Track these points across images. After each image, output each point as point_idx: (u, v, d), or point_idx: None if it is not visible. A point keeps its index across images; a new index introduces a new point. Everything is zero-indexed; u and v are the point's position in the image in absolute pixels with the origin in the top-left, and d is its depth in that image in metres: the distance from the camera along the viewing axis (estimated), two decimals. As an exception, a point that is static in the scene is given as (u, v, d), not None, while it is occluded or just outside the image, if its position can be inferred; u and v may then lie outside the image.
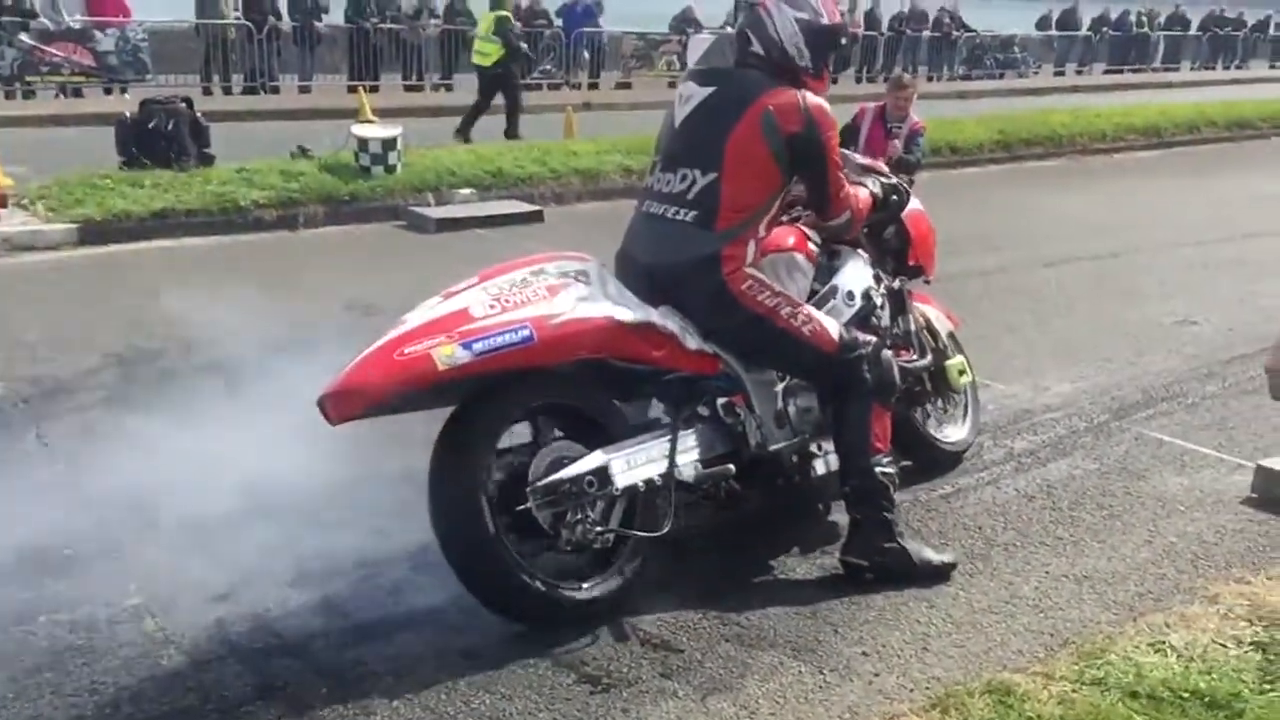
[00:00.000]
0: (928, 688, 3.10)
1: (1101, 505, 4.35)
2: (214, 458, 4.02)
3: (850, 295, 4.04)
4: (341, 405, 3.00)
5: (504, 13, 13.25)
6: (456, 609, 3.33)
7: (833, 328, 3.70)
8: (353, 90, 15.68)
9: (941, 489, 4.41)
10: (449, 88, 19.07)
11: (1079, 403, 5.50)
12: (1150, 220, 10.57)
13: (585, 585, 3.33)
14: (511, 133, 13.34)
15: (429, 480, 3.17)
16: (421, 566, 3.53)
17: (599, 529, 3.32)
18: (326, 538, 3.63)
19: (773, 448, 3.75)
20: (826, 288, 4.01)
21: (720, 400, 3.67)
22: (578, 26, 20.33)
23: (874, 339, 3.81)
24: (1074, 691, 2.93)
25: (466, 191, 10.15)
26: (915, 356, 4.37)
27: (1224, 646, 3.16)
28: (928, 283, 4.69)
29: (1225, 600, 3.44)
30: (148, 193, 8.95)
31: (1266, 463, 4.48)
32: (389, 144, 10.10)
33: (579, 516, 3.27)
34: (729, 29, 22.70)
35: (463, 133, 13.11)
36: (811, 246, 3.99)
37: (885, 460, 3.70)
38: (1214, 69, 30.58)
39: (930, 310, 4.68)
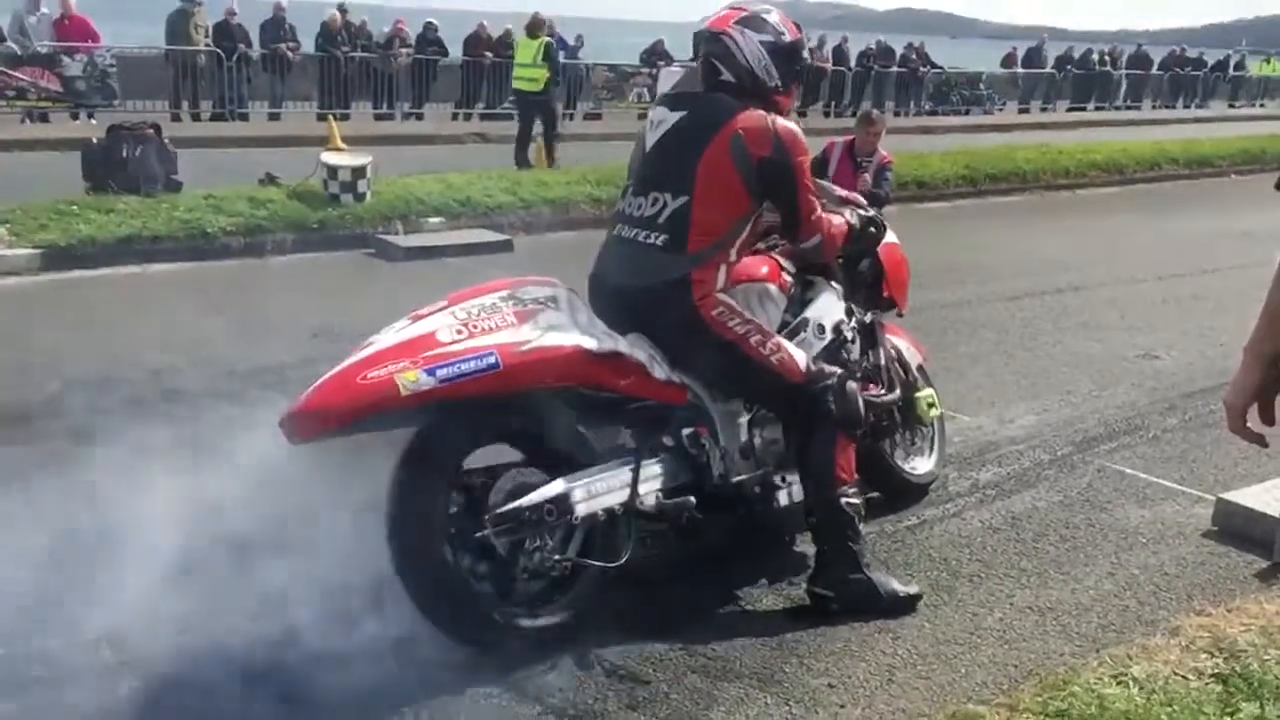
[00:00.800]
0: (893, 718, 3.10)
1: (1065, 537, 4.38)
2: (176, 487, 3.97)
3: (821, 328, 4.05)
4: (303, 427, 3.01)
5: (549, 39, 13.97)
6: (417, 639, 3.29)
7: (800, 359, 3.71)
8: (322, 118, 15.66)
9: (907, 520, 4.43)
10: (419, 117, 19.10)
11: (1043, 435, 5.55)
12: (1112, 255, 10.72)
13: (540, 612, 3.33)
14: (550, 155, 13.67)
15: (387, 504, 3.16)
16: (382, 596, 3.48)
17: (556, 557, 3.31)
18: (286, 567, 3.58)
19: (735, 479, 3.74)
20: (797, 319, 4.02)
21: (685, 430, 3.66)
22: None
23: (840, 371, 3.82)
24: (1037, 723, 2.94)
25: (436, 220, 10.16)
26: (884, 390, 4.37)
27: (1185, 678, 3.18)
28: (900, 315, 4.72)
29: (1187, 632, 3.46)
30: (114, 218, 8.88)
31: (1227, 495, 4.54)
32: (358, 172, 10.09)
33: (537, 544, 3.27)
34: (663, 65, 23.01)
35: (520, 157, 13.54)
36: (785, 277, 4.01)
37: (851, 491, 3.70)
38: (1175, 108, 31.11)
39: (900, 342, 4.70)
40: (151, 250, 8.66)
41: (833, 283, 4.21)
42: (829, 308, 4.14)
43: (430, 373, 3.06)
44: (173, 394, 5.26)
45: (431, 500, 3.16)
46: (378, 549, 3.21)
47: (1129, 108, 30.13)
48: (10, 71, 15.06)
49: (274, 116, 17.68)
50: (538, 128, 13.75)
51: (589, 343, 3.35)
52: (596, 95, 21.22)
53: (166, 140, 10.29)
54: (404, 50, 19.04)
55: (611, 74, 21.74)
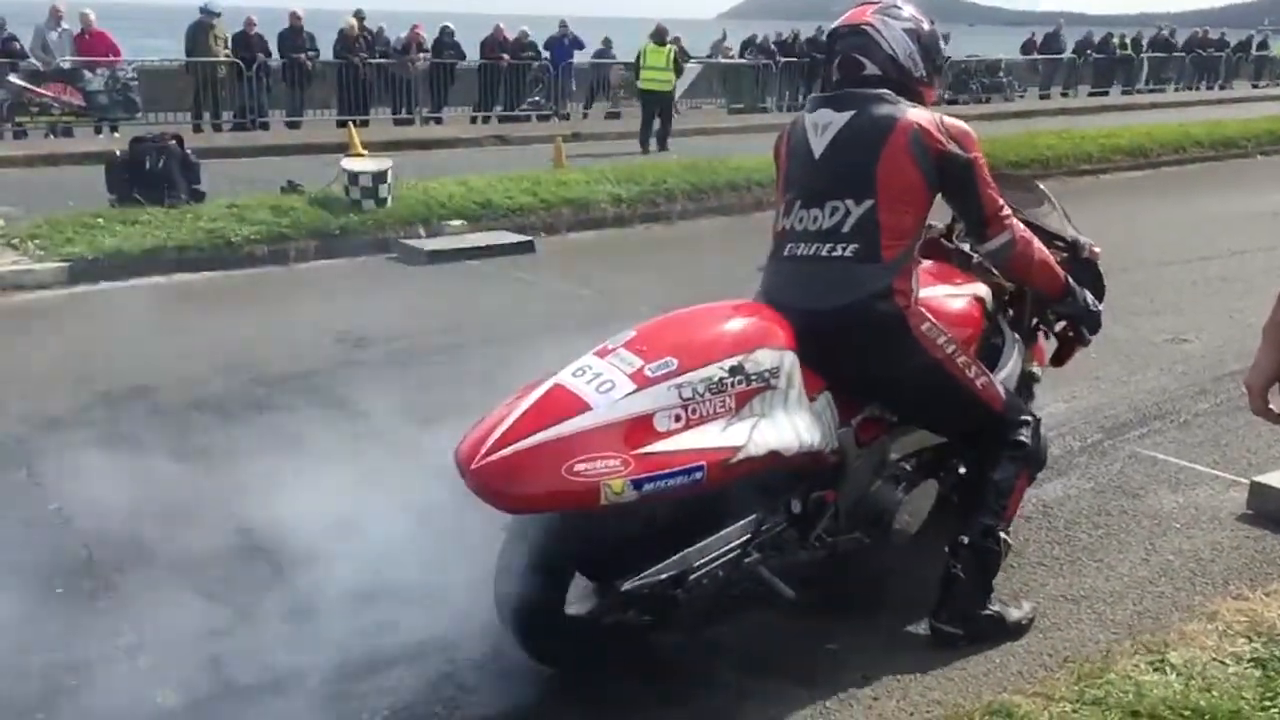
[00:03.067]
0: (928, 711, 3.08)
1: (1097, 524, 4.34)
2: (207, 494, 4.01)
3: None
4: (504, 497, 2.79)
5: (675, 46, 16.48)
6: (450, 641, 3.31)
7: (1000, 388, 3.54)
8: (342, 125, 15.75)
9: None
10: (438, 121, 19.18)
11: (1072, 422, 5.50)
12: (1138, 239, 10.62)
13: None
14: (663, 146, 15.99)
15: (513, 551, 3.03)
16: (415, 600, 3.50)
17: (647, 619, 3.18)
18: (320, 573, 3.61)
19: (829, 539, 3.52)
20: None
21: (813, 494, 3.41)
22: (565, 58, 20.48)
23: (1037, 414, 3.67)
24: (1074, 712, 2.91)
25: (457, 223, 10.18)
26: None
27: (1223, 664, 3.14)
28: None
29: (1223, 617, 3.43)
30: (139, 230, 8.96)
31: (1261, 479, 4.49)
32: (379, 177, 10.13)
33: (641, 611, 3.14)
34: (718, 58, 22.97)
35: (646, 145, 15.87)
36: (985, 321, 3.80)
37: (1004, 526, 3.49)
38: (1198, 90, 30.82)
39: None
40: (177, 261, 8.74)
41: (1018, 337, 4.01)
42: (1009, 373, 3.91)
43: (637, 485, 2.82)
44: (202, 403, 5.31)
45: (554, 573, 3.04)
46: (413, 554, 3.22)
47: (1152, 91, 29.87)
48: (33, 87, 15.23)
49: (294, 125, 17.80)
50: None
51: (789, 444, 3.11)
52: (614, 94, 21.20)
53: (189, 151, 10.39)
54: (421, 55, 19.12)
55: (628, 73, 21.73)
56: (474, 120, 19.54)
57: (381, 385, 5.36)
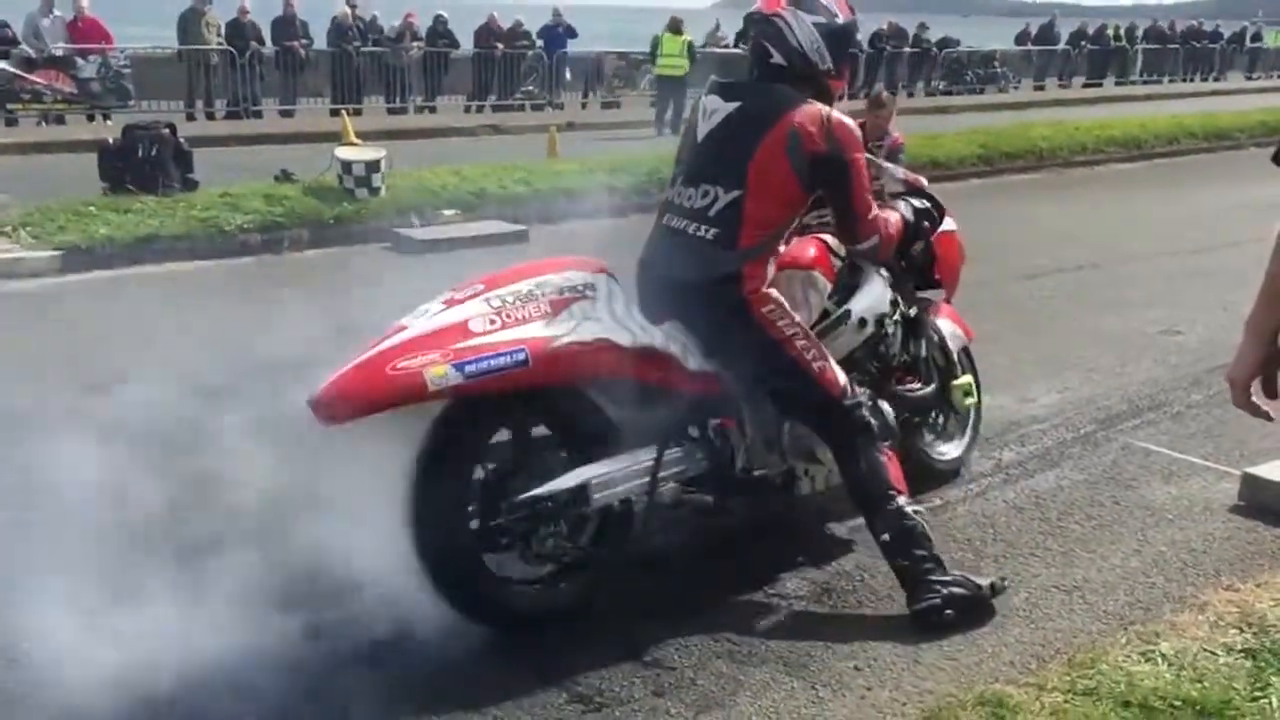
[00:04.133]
0: (920, 701, 3.09)
1: (1090, 515, 4.36)
2: (196, 482, 3.99)
3: (862, 321, 3.95)
4: (331, 412, 3.02)
5: (690, 38, 18.13)
6: (442, 628, 3.30)
7: (840, 375, 3.64)
8: (336, 114, 15.70)
9: (929, 502, 4.41)
10: (432, 109, 19.12)
11: (1065, 413, 5.52)
12: (1131, 231, 10.65)
13: (553, 594, 3.40)
14: (675, 130, 15.60)
15: (412, 483, 3.17)
16: (406, 585, 3.49)
17: (569, 544, 3.34)
18: (310, 560, 3.60)
19: (758, 471, 3.72)
20: (840, 311, 3.92)
21: (713, 421, 3.63)
22: (559, 47, 20.42)
23: (869, 392, 3.78)
24: (1066, 702, 2.93)
25: (451, 212, 10.16)
26: (919, 385, 4.31)
27: (1214, 654, 3.16)
28: (947, 301, 4.67)
29: (1215, 608, 3.44)
30: (132, 219, 8.93)
31: (1253, 470, 4.51)
32: (373, 166, 10.10)
33: (552, 530, 3.29)
34: (712, 47, 22.95)
35: (662, 127, 17.01)
36: (833, 261, 3.93)
37: (906, 501, 3.58)
38: (1192, 81, 30.83)
39: (946, 324, 4.59)
40: (170, 249, 8.71)
41: (881, 270, 4.09)
42: (873, 300, 4.03)
43: (459, 368, 3.06)
44: (193, 391, 5.28)
45: (455, 478, 3.19)
46: (402, 540, 3.22)
47: (1146, 82, 29.87)
48: (26, 75, 15.14)
49: (287, 113, 17.72)
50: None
51: (622, 337, 3.33)
52: (609, 83, 21.15)
53: (182, 139, 10.35)
54: (415, 43, 19.04)
55: (623, 62, 21.68)
56: (468, 109, 19.49)
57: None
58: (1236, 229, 10.53)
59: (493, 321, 3.20)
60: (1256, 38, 34.89)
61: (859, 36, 3.79)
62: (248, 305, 7.11)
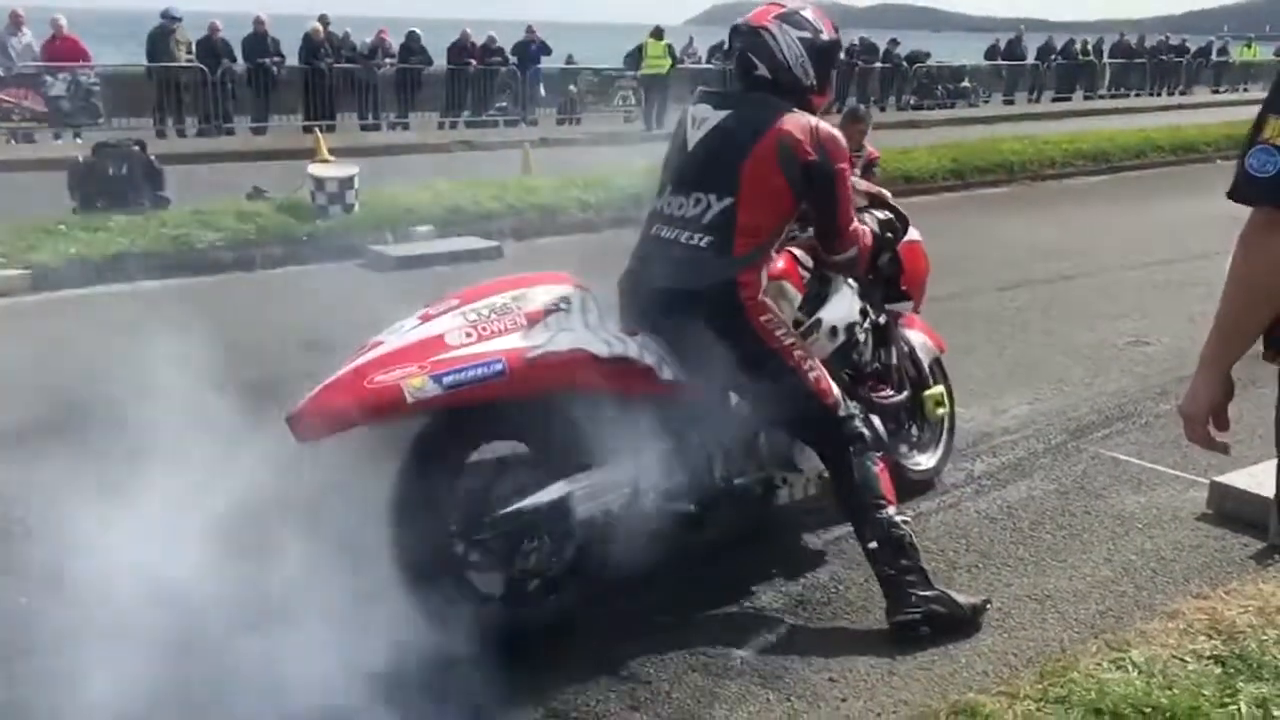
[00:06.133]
0: (895, 712, 3.11)
1: (1061, 525, 4.39)
2: (165, 504, 3.95)
3: (834, 330, 3.99)
4: (308, 427, 3.01)
5: (669, 42, 20.68)
6: (414, 645, 3.27)
7: (834, 387, 3.66)
8: (308, 130, 15.65)
9: (903, 513, 4.43)
10: (405, 126, 19.09)
11: (1036, 424, 5.57)
12: (1101, 243, 10.75)
13: (536, 610, 3.40)
14: (660, 123, 18.87)
15: (393, 500, 3.17)
16: (380, 601, 3.47)
17: (553, 559, 3.35)
18: (289, 578, 3.57)
19: (737, 481, 3.74)
20: (811, 320, 3.95)
21: (689, 431, 3.63)
22: (532, 64, 20.46)
23: (859, 404, 3.81)
24: (1038, 710, 2.94)
25: (425, 229, 10.15)
26: (892, 393, 4.34)
27: (1184, 661, 3.18)
28: (916, 311, 4.70)
29: (1184, 615, 3.47)
30: (102, 237, 8.88)
31: (1221, 479, 4.56)
32: (346, 183, 10.09)
33: (534, 545, 3.30)
34: (685, 63, 23.04)
35: (650, 122, 19.33)
36: (801, 272, 3.95)
37: (895, 511, 3.60)
38: (1159, 95, 31.17)
39: (916, 336, 4.64)
40: (142, 267, 8.63)
41: (849, 281, 4.13)
42: (843, 309, 4.06)
43: (437, 380, 3.07)
44: (164, 410, 5.24)
45: (435, 494, 3.19)
46: (380, 553, 3.21)
47: (1114, 96, 30.19)
48: (-7, 93, 15.03)
49: (259, 131, 17.64)
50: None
51: (597, 348, 3.35)
52: (581, 99, 21.20)
53: (152, 157, 10.31)
54: (388, 60, 19.03)
55: (596, 78, 21.72)
56: (441, 126, 19.47)
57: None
58: (1204, 241, 10.64)
59: (469, 334, 3.22)
60: (1223, 52, 35.35)
61: (841, 55, 3.87)
62: (220, 322, 7.07)
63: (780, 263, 3.89)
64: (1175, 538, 4.28)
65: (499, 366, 3.15)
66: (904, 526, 3.57)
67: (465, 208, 10.66)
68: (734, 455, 3.73)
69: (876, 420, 3.92)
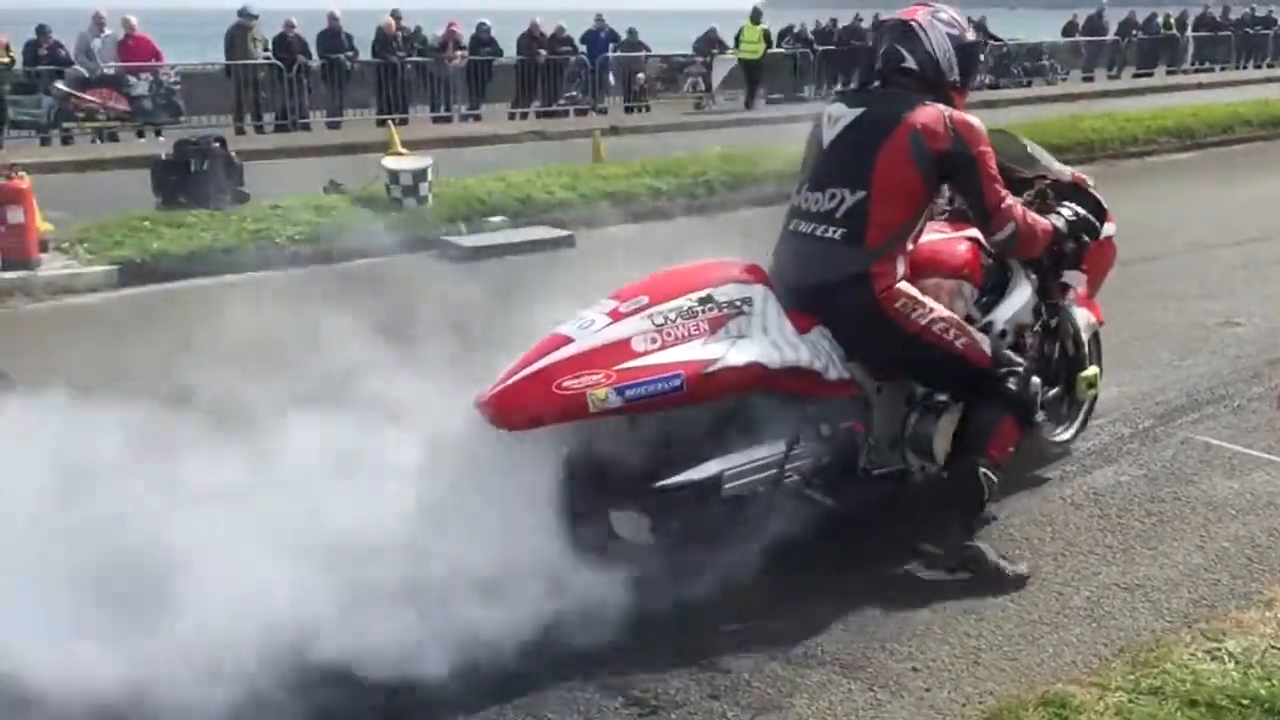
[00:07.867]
0: (981, 702, 3.06)
1: (1150, 512, 4.29)
2: (252, 500, 4.00)
3: (1003, 334, 4.07)
4: (505, 419, 3.28)
5: (765, 27, 21.06)
6: (499, 632, 3.30)
7: (985, 343, 3.78)
8: (382, 124, 15.83)
9: (998, 469, 4.35)
10: (477, 118, 19.21)
11: (1122, 408, 5.43)
12: (1187, 222, 10.45)
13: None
14: (749, 105, 20.43)
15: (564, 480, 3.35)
16: (466, 588, 3.48)
17: (697, 529, 3.46)
18: (372, 568, 3.61)
19: (877, 472, 3.86)
20: (984, 321, 4.03)
21: (843, 424, 3.74)
22: (601, 52, 20.46)
23: (1025, 363, 3.90)
24: (1130, 701, 2.88)
25: (498, 219, 10.21)
26: (1047, 387, 4.37)
27: (1282, 651, 3.09)
28: (1090, 297, 4.76)
29: (1281, 604, 3.37)
30: (185, 232, 9.07)
31: (1318, 463, 4.41)
32: (419, 175, 10.19)
33: (682, 514, 3.42)
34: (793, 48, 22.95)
35: (750, 103, 20.36)
36: (984, 259, 4.03)
37: (994, 468, 3.74)
38: (1246, 69, 30.23)
39: (1081, 314, 4.68)
40: (224, 262, 8.81)
41: (1029, 273, 4.20)
42: (1017, 309, 4.15)
43: (619, 392, 3.28)
44: (250, 403, 5.32)
45: (602, 466, 3.39)
46: (466, 542, 3.24)
47: (1198, 71, 29.33)
48: (79, 94, 15.42)
49: (334, 125, 17.90)
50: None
51: (771, 357, 3.48)
52: (651, 86, 21.14)
53: (232, 153, 10.51)
54: (459, 52, 19.15)
55: (665, 65, 21.65)
56: (512, 116, 19.54)
57: (428, 379, 5.34)
58: (1295, 218, 10.33)
59: (654, 340, 3.39)
60: (1312, 22, 34.14)
61: (982, 58, 4.01)
62: (306, 314, 7.18)
63: (963, 249, 3.99)
64: (1271, 524, 4.15)
65: (677, 382, 3.33)
66: (985, 481, 3.70)
67: (537, 197, 10.70)
68: (881, 446, 3.87)
69: (1036, 382, 3.97)
